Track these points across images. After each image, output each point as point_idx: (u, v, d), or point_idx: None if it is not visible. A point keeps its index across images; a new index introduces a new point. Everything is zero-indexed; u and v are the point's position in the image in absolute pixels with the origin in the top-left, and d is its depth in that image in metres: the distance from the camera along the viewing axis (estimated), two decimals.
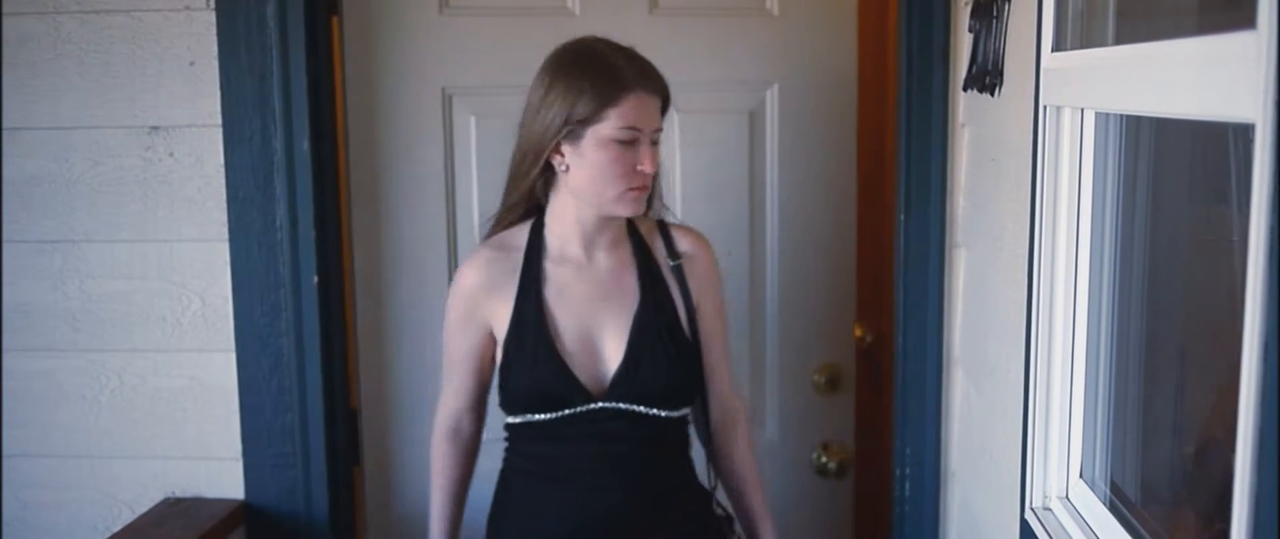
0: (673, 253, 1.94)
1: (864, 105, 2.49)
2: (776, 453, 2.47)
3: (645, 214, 1.91)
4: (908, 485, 2.14)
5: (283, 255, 2.12)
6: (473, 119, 2.27)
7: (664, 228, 1.96)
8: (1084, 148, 1.42)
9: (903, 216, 2.11)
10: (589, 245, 1.88)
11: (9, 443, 2.24)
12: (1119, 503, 1.37)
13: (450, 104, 2.27)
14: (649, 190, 1.83)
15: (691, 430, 1.97)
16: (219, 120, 2.10)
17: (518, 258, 1.88)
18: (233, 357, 2.17)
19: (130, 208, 2.15)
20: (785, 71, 2.39)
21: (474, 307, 1.88)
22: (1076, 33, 1.42)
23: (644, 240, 1.93)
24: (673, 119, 2.23)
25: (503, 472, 1.96)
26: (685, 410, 1.92)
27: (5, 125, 2.14)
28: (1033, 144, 1.49)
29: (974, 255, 1.96)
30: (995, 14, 1.71)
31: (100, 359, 2.21)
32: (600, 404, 1.83)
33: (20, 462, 2.25)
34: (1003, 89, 1.70)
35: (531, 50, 1.85)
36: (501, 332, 1.86)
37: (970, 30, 1.85)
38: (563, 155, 1.78)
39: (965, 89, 1.92)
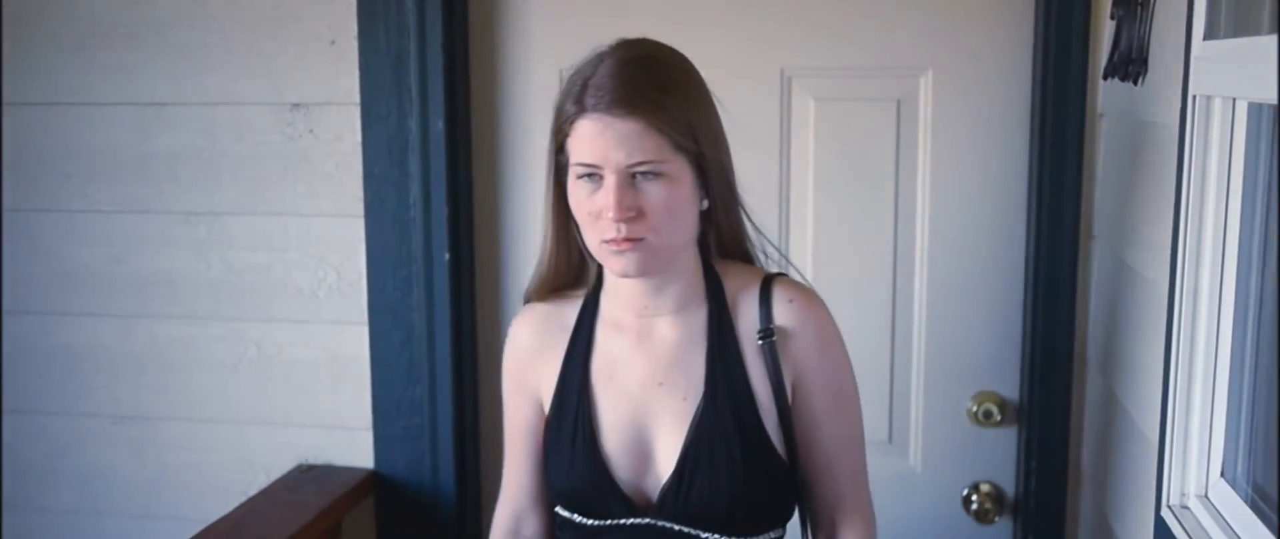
0: (765, 325, 1.48)
1: None
2: (917, 485, 2.21)
3: (751, 266, 1.55)
4: (1034, 481, 2.11)
5: (416, 232, 2.17)
6: None
7: (767, 288, 1.50)
8: (1234, 139, 1.38)
9: (1035, 206, 2.07)
10: (645, 310, 1.49)
11: (151, 406, 2.34)
12: (1261, 502, 1.33)
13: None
14: (642, 243, 1.36)
15: None
16: (357, 99, 2.16)
17: (570, 317, 1.54)
18: (366, 329, 2.23)
19: (271, 182, 2.23)
20: (943, 54, 2.10)
21: (524, 371, 1.56)
22: (1230, 20, 1.38)
23: (727, 305, 1.50)
24: (808, 106, 2.11)
25: None
26: (771, 535, 1.52)
27: (155, 100, 2.23)
28: (1179, 135, 1.46)
29: (1110, 248, 1.91)
30: (1141, 0, 1.67)
31: (239, 328, 2.29)
32: (647, 520, 1.46)
33: (161, 424, 2.35)
34: (1147, 78, 1.66)
35: (652, 29, 1.73)
36: (546, 408, 1.54)
37: (1112, 16, 1.80)
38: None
39: (1105, 78, 1.88)
